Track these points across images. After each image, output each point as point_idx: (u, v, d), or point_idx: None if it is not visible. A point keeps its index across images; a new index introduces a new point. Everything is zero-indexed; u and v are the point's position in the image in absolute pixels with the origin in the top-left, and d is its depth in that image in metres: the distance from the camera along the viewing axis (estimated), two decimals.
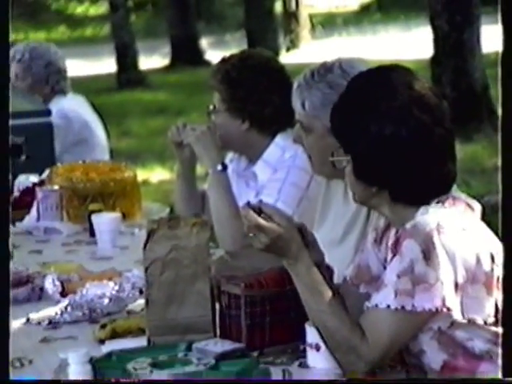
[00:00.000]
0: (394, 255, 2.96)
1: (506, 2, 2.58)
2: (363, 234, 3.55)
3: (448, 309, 2.85)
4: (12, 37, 5.34)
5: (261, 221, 3.00)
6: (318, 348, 3.03)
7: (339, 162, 3.07)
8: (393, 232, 3.06)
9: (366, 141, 2.97)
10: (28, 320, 3.59)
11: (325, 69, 3.59)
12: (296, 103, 3.61)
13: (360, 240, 3.55)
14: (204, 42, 19.75)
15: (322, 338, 3.01)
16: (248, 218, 3.01)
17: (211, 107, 4.34)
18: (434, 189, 2.89)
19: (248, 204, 3.09)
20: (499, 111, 2.55)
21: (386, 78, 3.04)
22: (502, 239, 2.51)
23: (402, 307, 2.88)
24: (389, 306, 2.88)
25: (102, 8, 23.78)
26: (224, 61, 4.34)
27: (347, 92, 3.07)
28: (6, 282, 2.83)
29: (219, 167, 4.28)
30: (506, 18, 2.54)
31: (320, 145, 3.55)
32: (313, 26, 20.84)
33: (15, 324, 3.48)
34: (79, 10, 27.30)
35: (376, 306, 2.94)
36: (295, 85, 3.61)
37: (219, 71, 4.29)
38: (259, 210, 3.05)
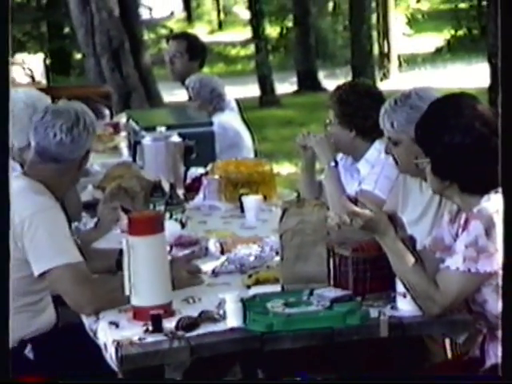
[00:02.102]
0: (463, 231, 2.97)
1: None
2: (436, 216, 3.57)
3: None
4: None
5: (356, 208, 3.04)
6: (404, 296, 3.02)
7: (421, 164, 3.09)
8: (463, 215, 3.06)
9: (441, 147, 3.01)
10: None
11: (404, 96, 3.61)
12: (386, 124, 3.63)
13: (433, 221, 3.58)
14: (321, 74, 19.77)
15: (407, 289, 2.99)
16: (347, 207, 3.03)
17: (327, 121, 4.33)
18: (492, 182, 2.85)
19: (347, 196, 3.16)
20: None
21: (456, 101, 3.09)
22: (504, 239, 2.40)
23: (468, 270, 2.91)
24: (458, 268, 2.91)
25: (249, 50, 23.96)
26: (338, 87, 4.35)
27: (427, 112, 3.14)
28: (6, 284, 2.45)
29: (332, 164, 4.28)
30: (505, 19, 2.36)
31: (406, 153, 3.54)
32: (400, 63, 20.74)
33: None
34: (233, 52, 27.47)
35: (448, 267, 2.95)
36: (382, 111, 3.64)
37: (334, 94, 4.29)
38: (355, 200, 3.12)
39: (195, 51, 6.10)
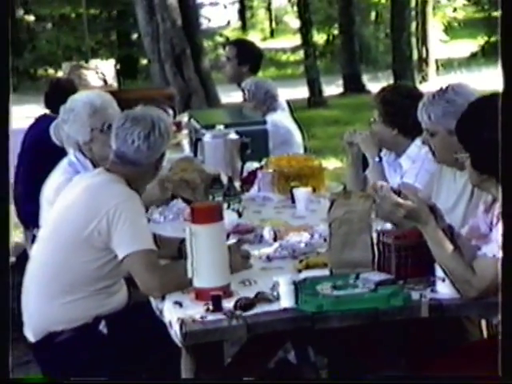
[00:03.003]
0: (498, 220, 2.91)
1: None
2: (468, 205, 3.53)
3: None
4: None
5: (400, 200, 3.01)
6: (443, 280, 2.99)
7: (461, 158, 3.04)
8: (498, 205, 3.00)
9: (480, 143, 2.94)
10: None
11: (442, 91, 3.56)
12: (423, 116, 3.58)
13: (466, 210, 3.53)
14: (364, 77, 19.69)
15: (446, 274, 2.97)
16: (391, 198, 3.01)
17: (372, 119, 4.29)
18: None
19: (391, 188, 3.11)
20: None
21: (492, 101, 3.01)
22: (503, 239, 2.32)
23: None
24: (494, 256, 2.84)
25: (298, 56, 23.96)
26: (382, 89, 4.31)
27: (467, 111, 3.09)
28: (6, 287, 2.39)
29: (377, 159, 4.25)
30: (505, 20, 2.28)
31: (442, 143, 3.51)
32: (437, 67, 20.58)
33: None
34: (284, 57, 27.46)
35: (485, 254, 2.91)
36: (420, 105, 3.60)
37: (379, 96, 4.25)
38: (398, 192, 3.08)
39: (244, 57, 6.07)
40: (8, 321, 2.40)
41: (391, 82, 15.66)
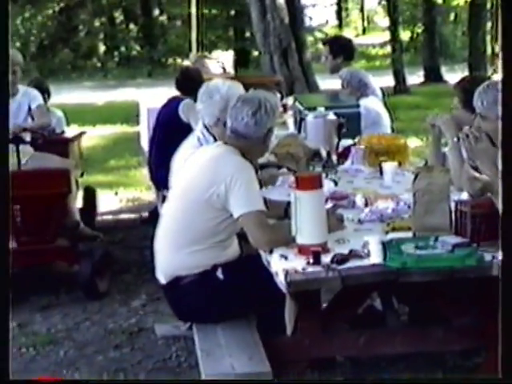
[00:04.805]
0: None
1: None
2: None
3: None
4: None
5: (476, 174, 3.00)
6: None
7: None
8: None
9: None
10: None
11: (495, 82, 3.45)
12: (477, 102, 3.47)
13: None
14: (443, 69, 19.31)
15: None
16: (469, 173, 2.93)
17: (452, 105, 4.17)
18: None
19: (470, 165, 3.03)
20: None
21: None
22: (502, 239, 2.11)
23: None
24: None
25: (386, 50, 23.65)
26: (462, 79, 4.18)
27: None
28: (6, 287, 2.25)
29: (455, 139, 4.12)
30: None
31: (492, 126, 3.36)
32: None
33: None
34: (373, 51, 27.09)
35: None
36: (476, 93, 3.48)
37: (459, 85, 4.12)
38: (475, 168, 3.03)
39: (337, 50, 6.01)
40: (7, 321, 2.24)
41: (466, 73, 15.30)
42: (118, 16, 27.37)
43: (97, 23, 26.39)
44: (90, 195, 6.55)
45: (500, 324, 1.96)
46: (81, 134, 6.47)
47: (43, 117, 5.60)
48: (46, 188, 5.01)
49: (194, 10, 10.77)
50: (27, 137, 5.38)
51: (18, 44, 23.74)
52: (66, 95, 19.04)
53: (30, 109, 5.56)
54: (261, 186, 3.67)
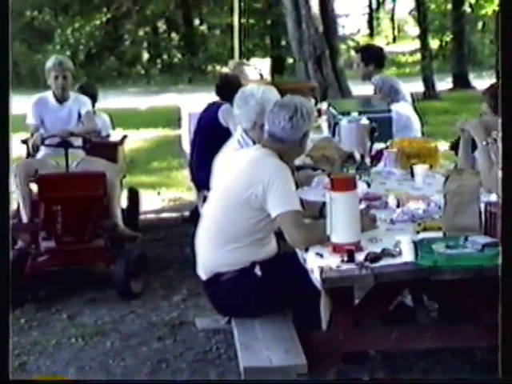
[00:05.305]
0: None
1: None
2: None
3: None
4: None
5: None
6: None
7: None
8: None
9: None
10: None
11: None
12: None
13: None
14: (471, 76, 19.13)
15: None
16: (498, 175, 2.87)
17: (481, 111, 4.11)
18: None
19: None
20: None
21: None
22: (502, 239, 2.02)
23: None
24: None
25: (415, 58, 23.50)
26: (491, 86, 4.11)
27: None
28: (6, 287, 2.11)
29: (484, 143, 4.06)
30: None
31: None
32: None
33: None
34: (403, 59, 26.87)
35: None
36: None
37: (488, 91, 4.06)
38: None
39: (368, 58, 5.96)
40: (8, 323, 2.14)
41: (494, 80, 15.11)
42: (161, 26, 27.56)
43: (141, 33, 26.59)
44: (133, 196, 6.58)
45: (500, 324, 1.89)
46: (124, 138, 6.51)
47: (90, 122, 5.61)
48: (83, 190, 5.01)
49: (236, 20, 10.81)
50: (77, 141, 5.41)
51: (68, 52, 24.01)
52: (111, 101, 19.17)
53: (79, 115, 5.59)
54: (297, 187, 3.65)
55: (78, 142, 5.42)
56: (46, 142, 5.36)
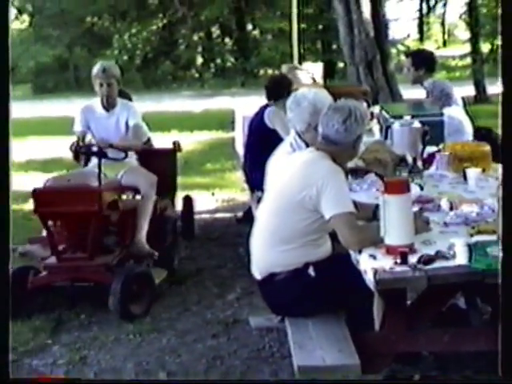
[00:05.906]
0: None
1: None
2: None
3: None
4: None
5: None
6: None
7: None
8: None
9: None
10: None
11: None
12: None
13: None
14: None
15: None
16: None
17: None
18: None
19: None
20: None
21: None
22: (502, 236, 1.92)
23: None
24: None
25: (465, 62, 23.22)
26: None
27: None
28: (6, 287, 2.05)
29: None
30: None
31: None
32: None
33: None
34: (453, 63, 26.52)
35: None
36: None
37: None
38: None
39: (418, 63, 5.87)
40: (8, 323, 2.11)
41: None
42: (215, 31, 27.73)
43: (195, 37, 26.79)
44: (187, 203, 6.51)
45: (500, 324, 1.83)
46: (179, 145, 6.40)
47: (136, 138, 5.28)
48: (76, 205, 4.62)
49: (295, 24, 10.84)
50: (113, 153, 5.02)
51: (125, 57, 24.34)
52: (166, 103, 19.35)
53: (127, 124, 5.30)
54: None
55: (114, 153, 5.02)
56: (83, 150, 5.09)
